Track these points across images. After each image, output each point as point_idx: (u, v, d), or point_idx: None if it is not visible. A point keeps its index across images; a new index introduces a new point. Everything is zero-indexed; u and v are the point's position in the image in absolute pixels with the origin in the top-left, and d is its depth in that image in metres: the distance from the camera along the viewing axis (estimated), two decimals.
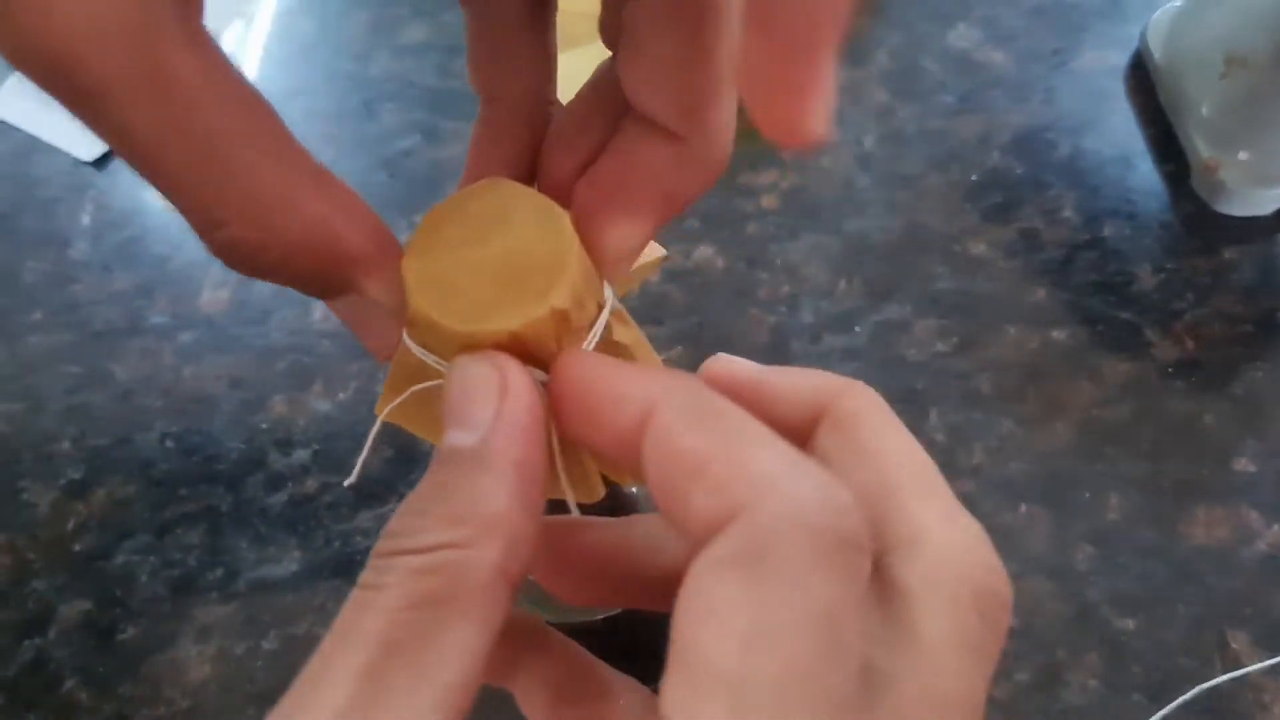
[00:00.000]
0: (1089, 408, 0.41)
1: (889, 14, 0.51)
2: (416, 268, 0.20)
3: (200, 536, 0.41)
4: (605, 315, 0.21)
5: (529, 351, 0.20)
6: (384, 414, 0.25)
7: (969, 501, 0.39)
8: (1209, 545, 0.38)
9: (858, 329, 0.43)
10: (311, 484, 0.41)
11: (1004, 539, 0.38)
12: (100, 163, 0.50)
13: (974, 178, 0.46)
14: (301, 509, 0.41)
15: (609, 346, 0.23)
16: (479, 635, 0.16)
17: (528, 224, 0.21)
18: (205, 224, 0.18)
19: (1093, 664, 0.36)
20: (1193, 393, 0.40)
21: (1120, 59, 0.49)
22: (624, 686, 0.20)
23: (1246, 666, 0.35)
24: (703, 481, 0.15)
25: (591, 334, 0.21)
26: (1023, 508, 0.39)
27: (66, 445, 0.43)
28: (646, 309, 0.44)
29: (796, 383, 0.20)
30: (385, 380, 0.26)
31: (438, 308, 0.20)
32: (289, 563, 0.40)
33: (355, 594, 0.16)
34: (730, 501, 0.15)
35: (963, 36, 0.50)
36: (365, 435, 0.29)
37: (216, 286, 0.46)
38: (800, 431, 0.19)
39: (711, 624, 0.15)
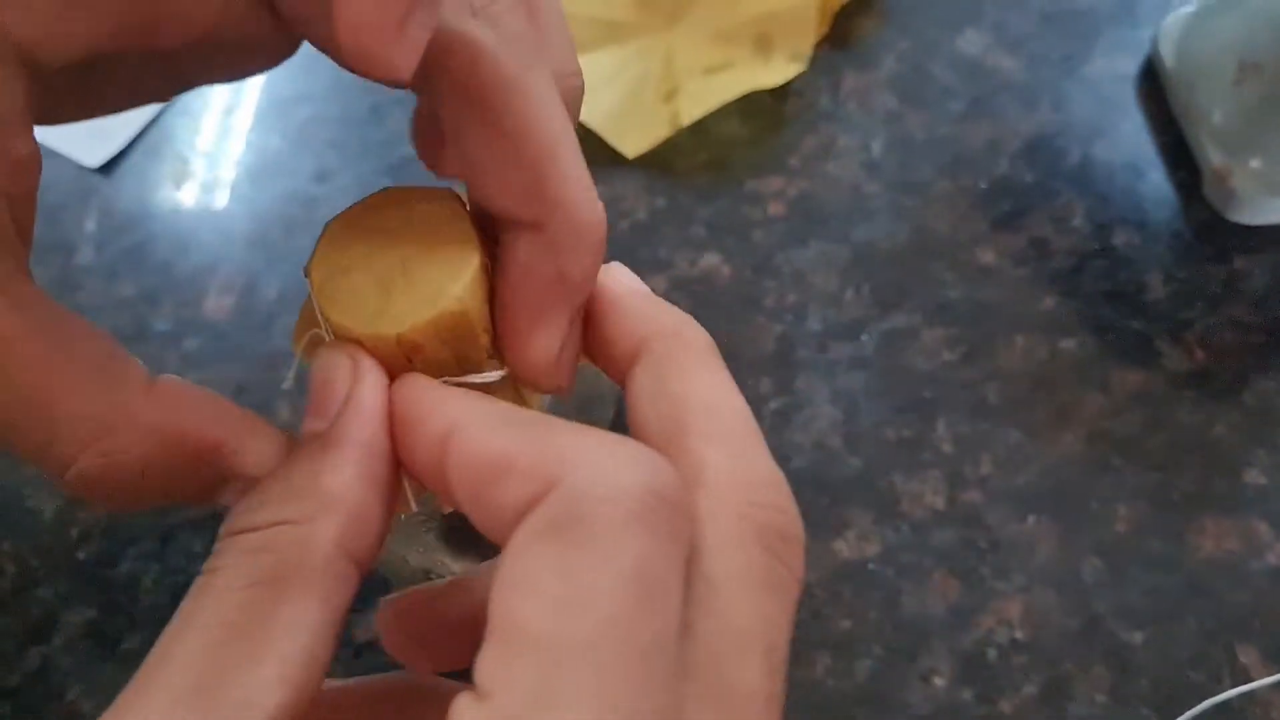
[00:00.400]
0: (1098, 418, 0.40)
1: (896, 19, 0.51)
2: (321, 272, 0.20)
3: (205, 544, 0.41)
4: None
5: (425, 363, 0.20)
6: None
7: (976, 512, 0.39)
8: (1218, 558, 0.38)
9: (865, 337, 0.43)
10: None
11: (1012, 551, 0.38)
12: (105, 169, 0.50)
13: (983, 185, 0.46)
14: None
15: (511, 395, 0.22)
16: (320, 611, 0.16)
17: (431, 230, 0.21)
18: (53, 465, 0.17)
19: (1100, 678, 0.36)
20: (1203, 403, 0.40)
21: (1131, 65, 0.48)
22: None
23: (1255, 681, 0.35)
24: (511, 476, 0.16)
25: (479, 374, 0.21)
26: (1030, 519, 0.39)
27: None
28: None
29: (630, 317, 0.20)
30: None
31: (336, 308, 0.20)
32: None
33: (197, 580, 0.16)
34: (540, 483, 0.15)
35: (972, 42, 0.50)
36: None
37: (221, 293, 0.47)
38: (626, 366, 0.20)
39: (524, 591, 0.15)
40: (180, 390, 0.19)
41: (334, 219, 0.21)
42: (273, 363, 0.45)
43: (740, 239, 0.46)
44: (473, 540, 0.34)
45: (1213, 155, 0.43)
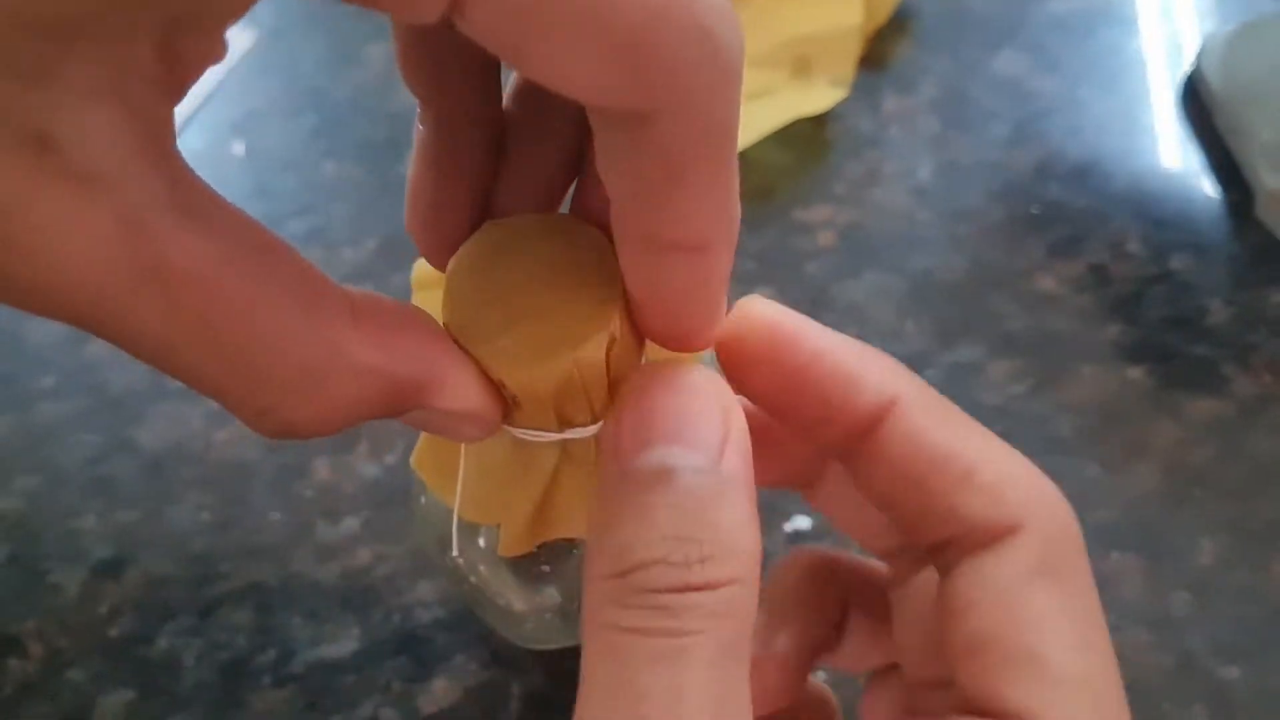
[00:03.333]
0: (1172, 448, 0.41)
1: (931, 40, 0.52)
2: (458, 313, 0.20)
3: (248, 616, 0.40)
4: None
5: (575, 393, 0.20)
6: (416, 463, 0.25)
7: None
8: None
9: (929, 372, 0.43)
10: (364, 554, 0.41)
11: (1098, 589, 0.39)
12: None
13: (1035, 211, 0.47)
14: (356, 582, 0.40)
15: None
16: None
17: (568, 258, 0.21)
18: (251, 414, 0.16)
19: (1199, 716, 0.37)
20: (1276, 429, 0.41)
21: (1172, 85, 0.50)
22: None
23: None
24: (972, 486, 0.18)
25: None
26: (1114, 555, 0.39)
27: (92, 521, 0.42)
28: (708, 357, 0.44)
29: (865, 367, 0.20)
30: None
31: (490, 353, 0.19)
32: (347, 641, 0.39)
33: (648, 644, 0.15)
34: (1011, 512, 0.18)
35: (1011, 63, 0.51)
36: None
37: None
38: (863, 419, 0.20)
39: (1046, 632, 0.18)
40: (384, 318, 0.17)
41: (466, 243, 0.21)
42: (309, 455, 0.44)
43: (792, 271, 0.46)
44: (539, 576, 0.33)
45: (1266, 177, 0.44)
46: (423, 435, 0.26)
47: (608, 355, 0.20)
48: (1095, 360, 0.43)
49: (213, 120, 0.54)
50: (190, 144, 0.53)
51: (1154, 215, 0.46)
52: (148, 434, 0.44)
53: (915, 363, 0.43)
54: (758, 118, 0.47)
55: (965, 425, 0.19)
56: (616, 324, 0.20)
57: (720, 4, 0.15)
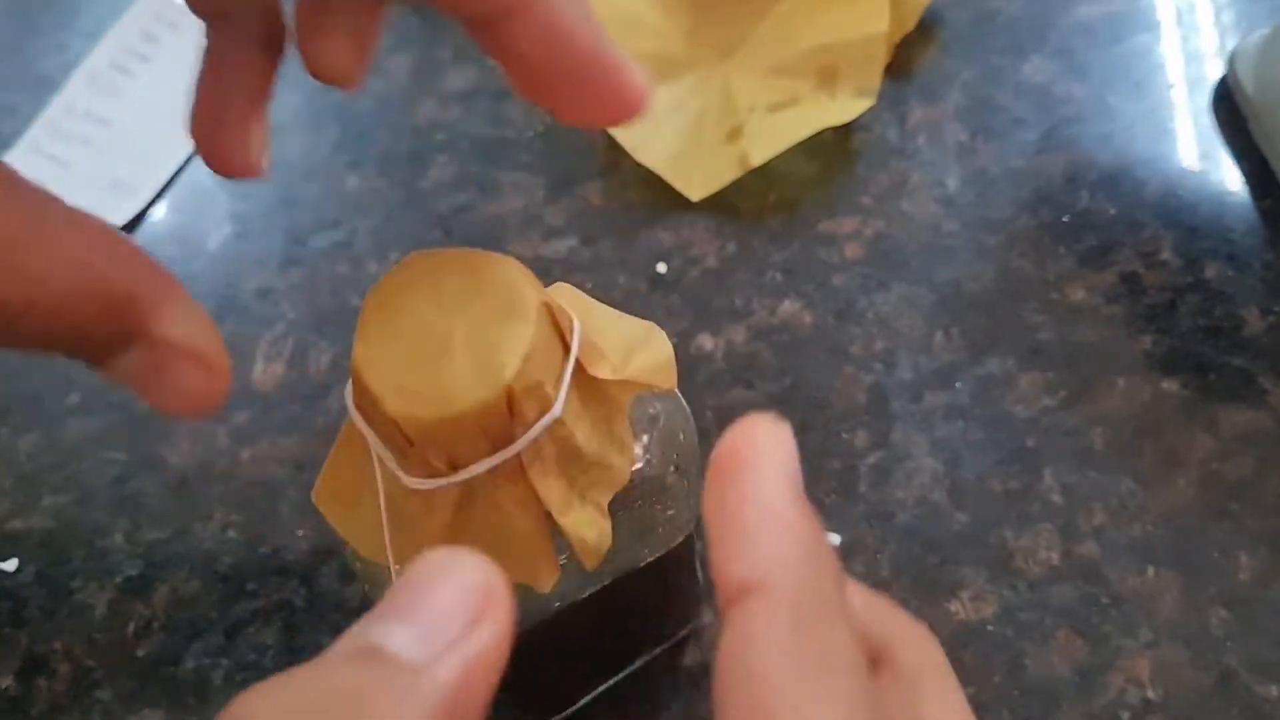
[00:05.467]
0: (1209, 461, 0.41)
1: (956, 48, 0.52)
2: (365, 348, 0.20)
3: (276, 635, 0.40)
4: (554, 412, 0.21)
5: (472, 433, 0.20)
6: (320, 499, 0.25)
7: (1094, 565, 0.39)
8: None
9: (959, 385, 0.43)
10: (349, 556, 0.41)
11: (1135, 605, 0.39)
12: (132, 225, 0.49)
13: (1065, 219, 0.46)
14: None
15: (563, 448, 0.23)
16: None
17: (480, 295, 0.21)
18: None
19: None
20: None
21: (1204, 91, 0.49)
22: None
23: None
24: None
25: (529, 432, 0.21)
26: (1151, 571, 0.39)
27: (119, 539, 0.43)
28: (735, 371, 0.44)
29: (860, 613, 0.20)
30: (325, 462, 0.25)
31: (385, 389, 0.20)
32: None
33: None
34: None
35: (1039, 70, 0.51)
36: None
37: (269, 360, 0.46)
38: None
39: None
40: (106, 233, 0.17)
41: (374, 286, 0.21)
42: (330, 436, 0.44)
43: (819, 284, 0.46)
44: None
45: None
46: (326, 467, 0.26)
47: (510, 399, 0.20)
48: (1128, 372, 0.43)
49: None
50: None
51: (1186, 223, 0.46)
52: (174, 451, 0.44)
53: (945, 375, 0.43)
54: (784, 129, 0.47)
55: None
56: (519, 367, 0.20)
57: None
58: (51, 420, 0.45)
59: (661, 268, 0.47)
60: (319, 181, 0.51)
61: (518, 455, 0.21)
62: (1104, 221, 0.47)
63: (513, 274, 0.21)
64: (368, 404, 0.21)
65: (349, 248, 0.49)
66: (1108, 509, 0.40)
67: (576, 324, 0.22)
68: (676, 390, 0.26)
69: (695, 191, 0.48)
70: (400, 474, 0.22)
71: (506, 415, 0.20)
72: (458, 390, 0.20)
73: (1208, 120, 0.49)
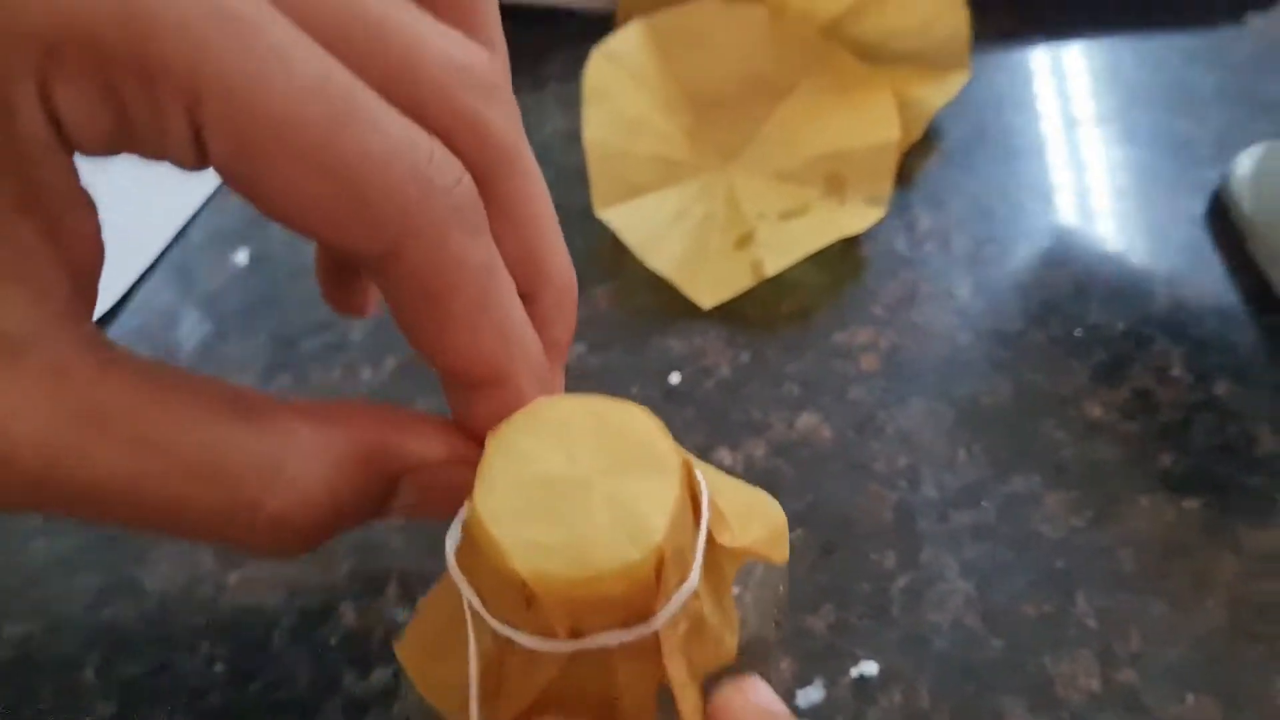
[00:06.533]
0: (1236, 583, 0.41)
1: (958, 157, 0.52)
2: (489, 498, 0.19)
3: None
4: (691, 582, 0.20)
5: (610, 598, 0.19)
6: (402, 653, 0.24)
7: (1135, 693, 0.39)
8: None
9: (985, 504, 0.42)
10: (400, 709, 0.38)
11: None
12: (104, 321, 0.46)
13: (1077, 333, 0.47)
14: None
15: (693, 623, 0.21)
16: None
17: (615, 447, 0.20)
18: (240, 529, 0.18)
19: None
20: None
21: (1198, 206, 0.51)
22: None
23: None
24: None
25: (669, 604, 0.20)
26: (1190, 698, 0.39)
27: (91, 674, 0.39)
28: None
29: None
30: (412, 618, 0.24)
31: (514, 544, 0.19)
32: None
33: None
34: None
35: (1039, 182, 0.51)
36: None
37: None
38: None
39: None
40: (327, 405, 0.19)
41: (494, 431, 0.20)
42: (328, 557, 0.41)
43: (836, 397, 0.45)
44: None
45: None
46: (416, 618, 0.24)
47: (659, 563, 0.19)
48: (1150, 490, 0.43)
49: (212, 226, 0.52)
50: (188, 253, 0.50)
51: (1194, 338, 0.47)
52: (152, 575, 0.41)
53: (971, 494, 0.43)
54: (799, 238, 0.47)
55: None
56: (668, 529, 0.19)
57: (438, 154, 0.18)
58: (15, 539, 0.42)
59: (675, 378, 0.45)
60: (308, 278, 0.48)
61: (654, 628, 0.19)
62: (1114, 336, 0.47)
63: (647, 424, 0.20)
64: (482, 556, 0.19)
65: (341, 351, 0.46)
66: (1144, 633, 0.40)
67: (704, 483, 0.21)
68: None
69: (706, 299, 0.47)
70: (509, 631, 0.20)
71: (652, 581, 0.19)
72: (600, 550, 0.18)
73: (1204, 235, 0.50)
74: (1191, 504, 0.43)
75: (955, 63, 0.51)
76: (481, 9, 0.21)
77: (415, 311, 0.19)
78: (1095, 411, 0.45)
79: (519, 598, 0.19)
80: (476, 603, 0.20)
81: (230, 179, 0.17)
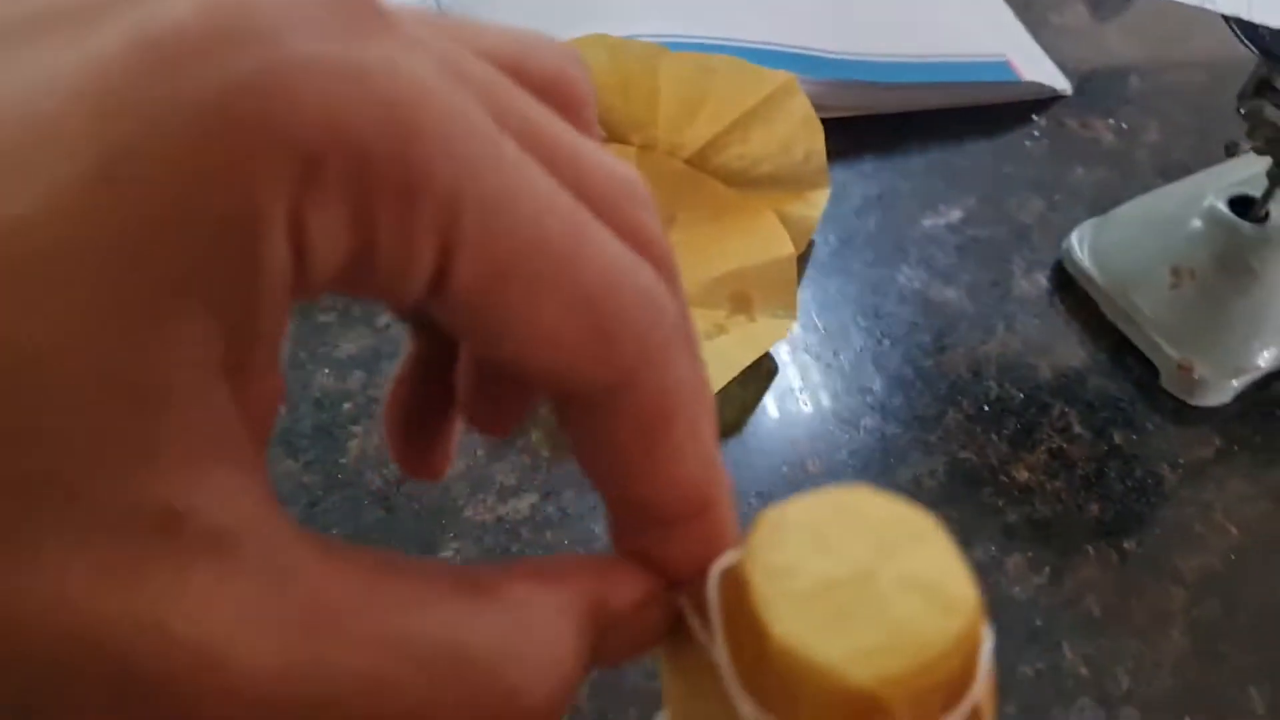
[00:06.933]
0: (1186, 609, 0.44)
1: (835, 262, 0.55)
2: (784, 626, 0.17)
3: None
4: (989, 640, 0.21)
5: (947, 674, 0.19)
6: None
7: None
8: None
9: None
10: None
11: None
12: None
13: (985, 409, 0.50)
14: None
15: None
16: None
17: (866, 529, 0.20)
18: (518, 713, 0.16)
19: None
20: (1266, 574, 0.46)
21: (1043, 282, 0.56)
22: None
23: None
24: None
25: (981, 665, 0.20)
26: None
27: None
28: None
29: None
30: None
31: (840, 661, 0.17)
32: None
33: None
34: None
35: (912, 278, 0.55)
36: None
37: None
38: None
39: None
40: (533, 566, 0.18)
41: (748, 543, 0.19)
42: None
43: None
44: None
45: (1170, 351, 0.51)
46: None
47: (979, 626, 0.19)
48: (1092, 539, 0.46)
49: None
50: None
51: (1083, 399, 0.51)
52: None
53: None
54: (726, 356, 0.48)
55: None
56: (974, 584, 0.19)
57: (651, 276, 0.17)
58: None
59: None
60: None
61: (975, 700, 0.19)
62: (1016, 406, 0.51)
63: (874, 499, 0.20)
64: (797, 689, 0.18)
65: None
66: (1129, 671, 0.42)
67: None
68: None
69: None
70: None
71: (976, 647, 0.18)
72: (928, 632, 0.17)
73: (1060, 307, 0.55)
74: (1130, 544, 0.46)
75: (817, 180, 0.55)
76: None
77: (631, 446, 0.17)
78: (1023, 475, 0.48)
79: (854, 715, 0.18)
80: None
81: (464, 312, 0.15)
